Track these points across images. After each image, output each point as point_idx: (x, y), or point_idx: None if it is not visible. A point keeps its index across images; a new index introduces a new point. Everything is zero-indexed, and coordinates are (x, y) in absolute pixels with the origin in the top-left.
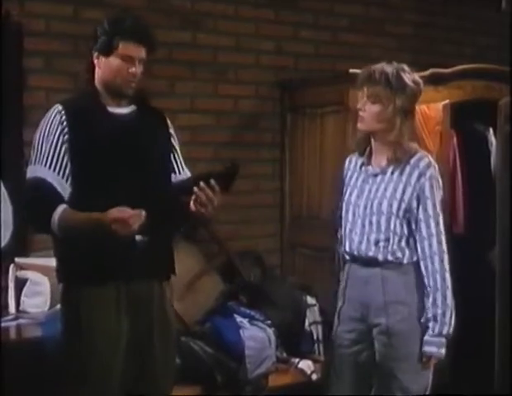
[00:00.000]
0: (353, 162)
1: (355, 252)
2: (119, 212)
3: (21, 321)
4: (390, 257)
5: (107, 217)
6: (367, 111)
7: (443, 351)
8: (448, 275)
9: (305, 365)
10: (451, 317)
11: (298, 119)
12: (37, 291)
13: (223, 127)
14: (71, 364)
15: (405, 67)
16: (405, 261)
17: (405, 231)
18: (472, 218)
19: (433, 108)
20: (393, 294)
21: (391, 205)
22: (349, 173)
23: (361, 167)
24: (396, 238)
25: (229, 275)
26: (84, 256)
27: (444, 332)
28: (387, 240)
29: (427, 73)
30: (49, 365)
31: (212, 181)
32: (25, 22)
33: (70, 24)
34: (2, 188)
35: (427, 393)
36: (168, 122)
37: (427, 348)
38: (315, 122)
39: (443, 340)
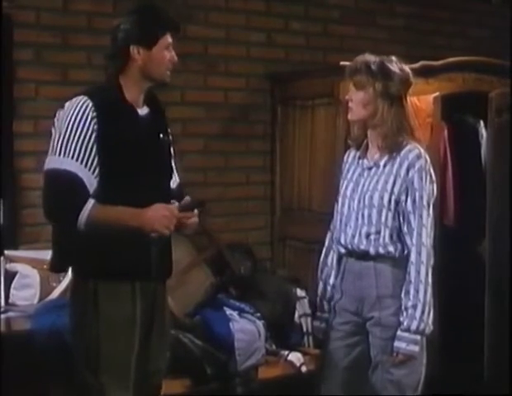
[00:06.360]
0: (351, 155)
1: (349, 246)
2: (165, 209)
3: (11, 314)
4: (381, 251)
5: (152, 214)
6: (354, 100)
7: (414, 348)
8: (424, 269)
9: (295, 357)
10: (423, 313)
11: (289, 111)
12: (26, 284)
13: (213, 119)
14: (87, 350)
15: (393, 58)
16: (397, 255)
17: (397, 224)
18: (463, 210)
19: (423, 100)
20: (386, 287)
21: (381, 198)
22: (347, 166)
23: (358, 161)
24: (388, 231)
25: (220, 267)
26: (103, 253)
27: (413, 327)
28: (378, 233)
29: (417, 65)
30: (39, 357)
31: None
32: (15, 14)
33: (60, 16)
34: None
35: (419, 387)
36: (169, 128)
37: (396, 343)
38: (305, 114)
39: (414, 336)
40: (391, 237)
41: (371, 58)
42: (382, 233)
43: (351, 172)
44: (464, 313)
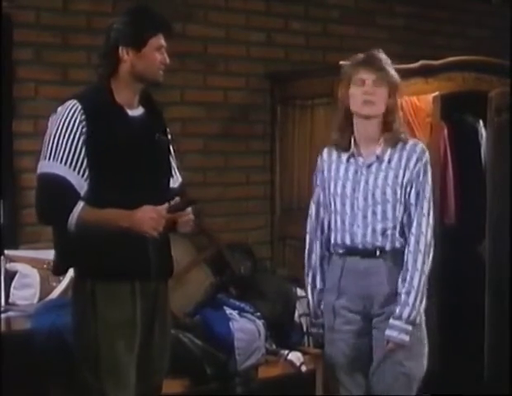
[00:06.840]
0: (333, 154)
1: (359, 245)
2: (153, 211)
3: (11, 313)
4: (397, 245)
5: (140, 216)
6: (377, 95)
7: (405, 337)
8: (421, 258)
9: (295, 356)
10: (416, 300)
11: (288, 111)
12: (26, 283)
13: (213, 119)
14: (86, 351)
15: None
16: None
17: (405, 217)
18: (463, 209)
19: (423, 100)
20: (397, 282)
21: (395, 192)
22: (333, 166)
23: (348, 160)
24: (399, 225)
25: (219, 267)
26: (100, 254)
27: (405, 314)
28: (394, 228)
29: (417, 64)
30: (39, 357)
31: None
32: (15, 14)
33: (60, 16)
34: None
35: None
36: (167, 128)
37: (387, 331)
38: (305, 114)
39: (405, 326)
40: (402, 230)
41: (382, 55)
42: (397, 228)
43: (342, 171)
44: (464, 313)
